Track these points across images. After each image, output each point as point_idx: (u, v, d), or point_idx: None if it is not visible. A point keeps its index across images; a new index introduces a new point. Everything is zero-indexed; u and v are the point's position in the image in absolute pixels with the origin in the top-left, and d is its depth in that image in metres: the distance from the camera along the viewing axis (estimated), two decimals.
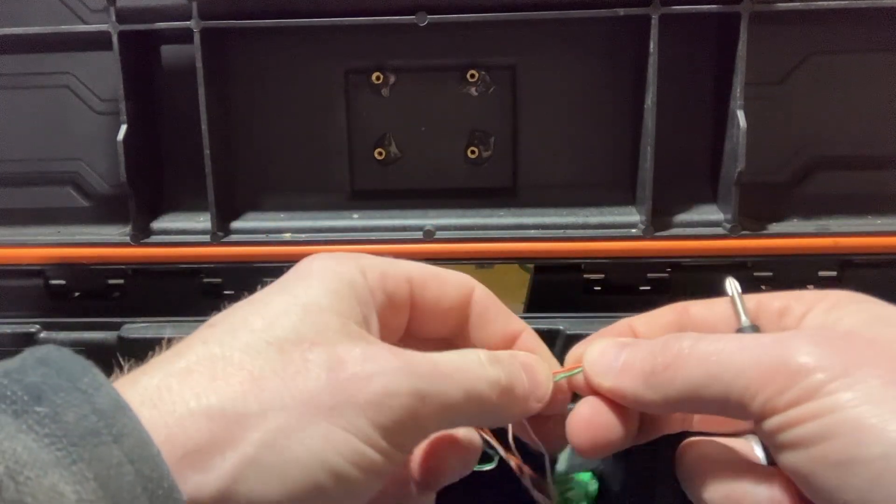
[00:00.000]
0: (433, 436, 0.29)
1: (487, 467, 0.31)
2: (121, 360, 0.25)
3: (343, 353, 0.24)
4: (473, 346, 0.30)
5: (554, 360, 0.31)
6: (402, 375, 0.24)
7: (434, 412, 0.25)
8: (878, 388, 0.22)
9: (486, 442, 0.30)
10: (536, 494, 0.30)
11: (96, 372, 0.22)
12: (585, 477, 0.32)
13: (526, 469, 0.30)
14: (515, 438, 0.30)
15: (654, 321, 0.31)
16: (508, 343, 0.31)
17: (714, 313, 0.30)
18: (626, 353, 0.28)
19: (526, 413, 0.29)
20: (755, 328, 0.28)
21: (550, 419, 0.30)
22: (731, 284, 0.29)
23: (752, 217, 0.50)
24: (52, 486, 0.19)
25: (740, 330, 0.28)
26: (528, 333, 0.31)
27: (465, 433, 0.30)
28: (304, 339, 0.24)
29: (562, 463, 0.32)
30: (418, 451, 0.30)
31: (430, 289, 0.29)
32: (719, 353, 0.25)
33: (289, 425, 0.22)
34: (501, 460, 0.31)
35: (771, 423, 0.23)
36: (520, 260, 0.52)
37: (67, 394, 0.21)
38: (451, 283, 0.30)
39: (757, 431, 0.25)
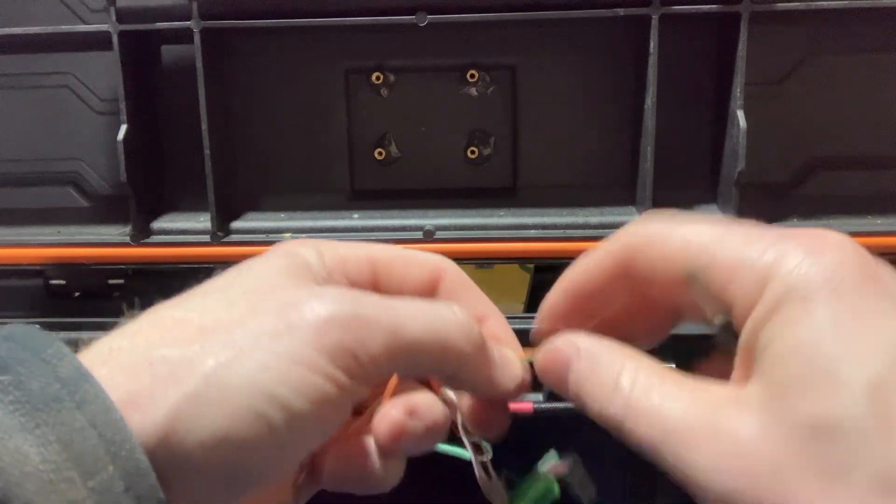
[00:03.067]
0: (393, 394, 0.28)
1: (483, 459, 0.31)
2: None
3: (291, 295, 0.24)
4: None
5: (522, 352, 0.30)
6: (346, 303, 0.24)
7: (384, 338, 0.24)
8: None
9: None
10: (485, 483, 0.29)
11: (60, 344, 0.22)
12: (545, 481, 0.31)
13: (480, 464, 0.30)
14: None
15: (594, 280, 0.29)
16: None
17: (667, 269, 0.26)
18: (572, 374, 0.26)
19: (496, 388, 0.28)
20: (731, 330, 0.25)
21: (493, 407, 0.30)
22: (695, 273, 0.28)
23: (752, 217, 0.49)
24: (16, 448, 0.19)
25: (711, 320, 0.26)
26: (498, 320, 0.30)
27: (427, 400, 0.28)
28: (254, 292, 0.25)
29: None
30: (379, 415, 0.28)
31: (395, 271, 0.29)
32: (659, 413, 0.23)
33: (228, 358, 0.22)
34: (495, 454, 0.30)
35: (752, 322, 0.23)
36: (520, 260, 0.52)
37: (32, 364, 0.21)
38: (417, 264, 0.29)
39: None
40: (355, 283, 0.28)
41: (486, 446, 0.30)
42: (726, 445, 0.21)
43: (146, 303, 0.26)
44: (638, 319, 0.29)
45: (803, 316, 0.21)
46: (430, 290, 0.29)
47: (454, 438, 0.30)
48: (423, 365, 0.26)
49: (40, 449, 0.20)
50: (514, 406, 0.30)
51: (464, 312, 0.26)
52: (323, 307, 0.23)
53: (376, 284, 0.29)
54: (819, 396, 0.20)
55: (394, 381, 0.28)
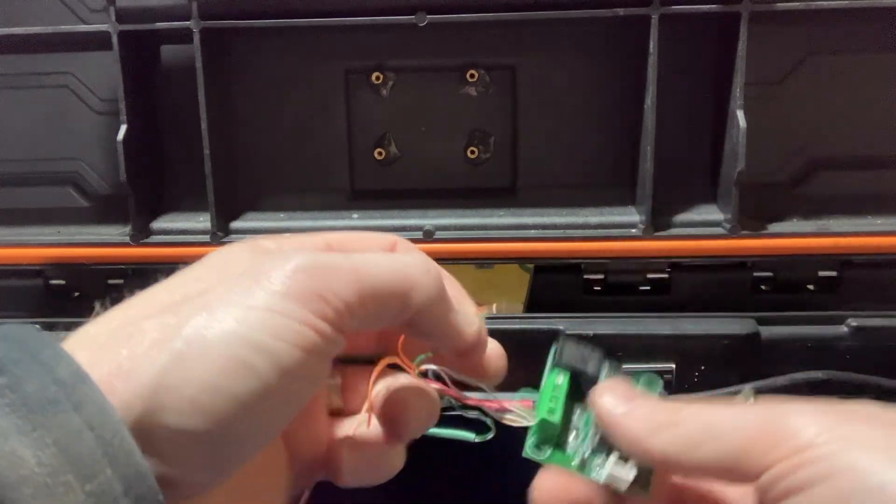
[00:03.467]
0: (392, 385, 0.29)
1: (488, 436, 0.31)
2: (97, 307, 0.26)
3: (258, 262, 0.25)
4: None
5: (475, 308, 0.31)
6: (311, 256, 0.25)
7: (350, 281, 0.25)
8: (868, 434, 0.23)
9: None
10: (508, 418, 0.30)
11: (57, 346, 0.22)
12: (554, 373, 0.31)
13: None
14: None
15: None
16: None
17: None
18: (634, 403, 0.28)
19: (458, 333, 0.28)
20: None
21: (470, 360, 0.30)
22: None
23: (752, 217, 0.50)
24: (12, 451, 0.19)
25: None
26: (450, 279, 0.31)
27: (418, 383, 0.30)
28: (228, 266, 0.26)
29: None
30: (382, 404, 0.30)
31: (351, 247, 0.30)
32: (719, 414, 0.25)
33: (208, 318, 0.23)
34: (498, 432, 0.31)
35: (768, 475, 0.24)
36: (520, 260, 0.52)
37: (28, 366, 0.21)
38: (373, 239, 0.31)
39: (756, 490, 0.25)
40: None
41: (490, 423, 0.30)
42: None
43: None
44: None
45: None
46: None
47: (447, 421, 0.31)
48: (391, 307, 0.26)
49: (37, 452, 0.20)
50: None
51: (422, 255, 0.28)
52: (287, 261, 0.24)
53: None
54: None
55: (376, 371, 0.29)
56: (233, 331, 0.22)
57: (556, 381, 0.30)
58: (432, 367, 0.30)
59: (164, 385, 0.21)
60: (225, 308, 0.23)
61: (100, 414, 0.20)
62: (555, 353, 0.31)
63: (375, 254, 0.28)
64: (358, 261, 0.26)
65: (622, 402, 0.28)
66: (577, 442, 0.30)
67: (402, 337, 0.29)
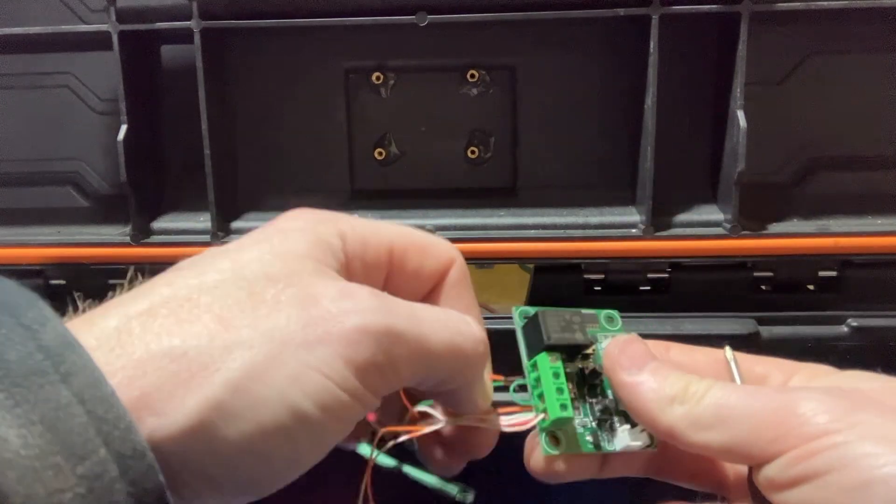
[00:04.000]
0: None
1: (468, 499, 0.31)
2: (78, 303, 0.23)
3: (317, 291, 0.23)
4: None
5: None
6: (379, 313, 0.23)
7: (410, 354, 0.23)
8: (881, 423, 0.23)
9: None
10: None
11: (43, 306, 0.20)
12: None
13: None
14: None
15: None
16: None
17: (694, 360, 0.30)
18: (647, 371, 0.27)
19: (476, 404, 0.28)
20: None
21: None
22: (729, 351, 0.30)
23: (752, 217, 0.50)
24: None
25: None
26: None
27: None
28: (276, 281, 0.23)
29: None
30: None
31: (411, 259, 0.28)
32: (728, 398, 0.25)
33: (255, 365, 0.21)
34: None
35: (777, 463, 0.24)
36: (520, 260, 0.52)
37: (9, 330, 0.19)
38: (433, 255, 0.29)
39: (755, 478, 0.25)
40: (372, 271, 0.27)
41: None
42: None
43: None
44: None
45: None
46: (440, 278, 0.29)
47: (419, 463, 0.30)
48: (436, 378, 0.25)
49: (21, 431, 0.17)
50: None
51: (478, 327, 0.26)
52: (356, 316, 0.22)
53: (391, 272, 0.28)
54: None
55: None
56: (282, 394, 0.21)
57: (553, 368, 0.29)
58: (428, 408, 0.29)
59: (197, 433, 0.20)
60: (278, 361, 0.21)
61: (91, 386, 0.18)
62: (538, 332, 0.30)
63: (437, 315, 0.25)
64: (421, 327, 0.24)
65: (636, 368, 0.27)
66: (582, 417, 0.30)
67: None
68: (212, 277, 0.23)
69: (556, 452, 0.29)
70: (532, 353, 0.30)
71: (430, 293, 0.29)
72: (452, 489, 0.31)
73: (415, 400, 0.29)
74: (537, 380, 0.29)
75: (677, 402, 0.26)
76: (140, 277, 0.24)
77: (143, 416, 0.19)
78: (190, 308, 0.22)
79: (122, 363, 0.20)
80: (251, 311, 0.22)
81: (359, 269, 0.27)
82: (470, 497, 0.31)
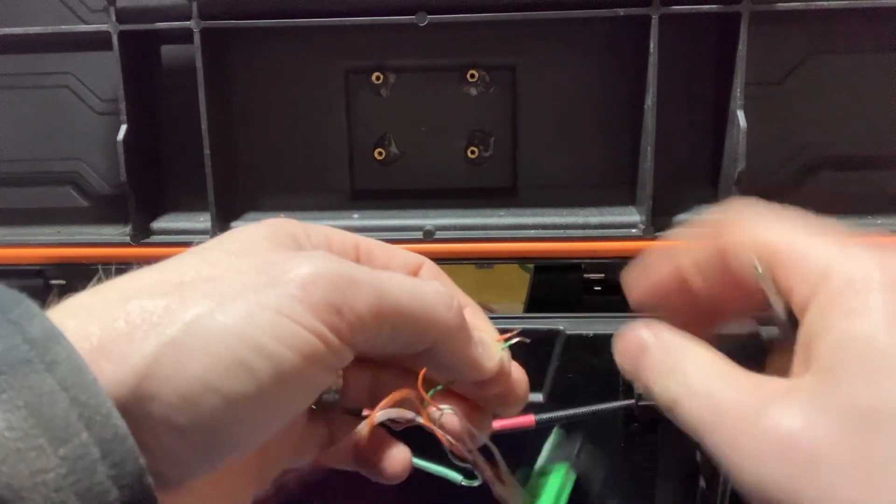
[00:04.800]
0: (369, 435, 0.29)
1: (475, 483, 0.31)
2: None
3: (276, 256, 0.24)
4: None
5: (498, 338, 0.30)
6: (334, 262, 0.24)
7: (369, 299, 0.23)
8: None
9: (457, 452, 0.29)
10: (499, 489, 0.29)
11: (29, 303, 0.21)
12: (561, 470, 0.31)
13: (484, 466, 0.29)
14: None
15: (700, 266, 0.28)
16: None
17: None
18: (650, 350, 0.27)
19: (477, 366, 0.28)
20: (794, 322, 0.25)
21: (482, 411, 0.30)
22: (758, 265, 0.26)
23: None
24: None
25: (770, 322, 0.27)
26: (474, 308, 0.30)
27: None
28: (234, 253, 0.25)
29: (541, 458, 0.31)
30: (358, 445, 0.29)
31: (377, 257, 0.29)
32: (712, 397, 0.24)
33: (213, 308, 0.22)
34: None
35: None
36: (520, 260, 0.52)
37: None
38: (400, 255, 0.30)
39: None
40: None
41: (497, 455, 0.30)
42: (769, 434, 0.21)
43: None
44: (725, 300, 0.29)
45: (859, 308, 0.21)
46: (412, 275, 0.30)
47: (443, 458, 0.30)
48: (405, 332, 0.25)
49: (7, 415, 0.18)
50: (515, 421, 0.30)
51: (445, 288, 0.27)
52: (308, 265, 0.23)
53: None
54: (868, 386, 0.20)
55: (391, 399, 0.28)
56: (238, 329, 0.21)
57: (562, 485, 0.29)
58: (447, 408, 0.29)
59: (154, 373, 0.21)
60: (233, 301, 0.22)
61: (74, 374, 0.19)
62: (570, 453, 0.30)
63: (400, 274, 0.26)
64: (381, 278, 0.24)
65: (638, 351, 0.27)
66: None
67: (424, 370, 0.28)
68: (170, 262, 0.24)
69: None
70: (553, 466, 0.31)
71: None
72: (457, 476, 0.31)
73: (431, 387, 0.29)
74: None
75: (672, 373, 0.26)
76: None
77: (101, 364, 0.20)
78: (148, 280, 0.23)
79: (80, 322, 0.21)
80: (208, 272, 0.23)
81: None
82: (477, 482, 0.31)
